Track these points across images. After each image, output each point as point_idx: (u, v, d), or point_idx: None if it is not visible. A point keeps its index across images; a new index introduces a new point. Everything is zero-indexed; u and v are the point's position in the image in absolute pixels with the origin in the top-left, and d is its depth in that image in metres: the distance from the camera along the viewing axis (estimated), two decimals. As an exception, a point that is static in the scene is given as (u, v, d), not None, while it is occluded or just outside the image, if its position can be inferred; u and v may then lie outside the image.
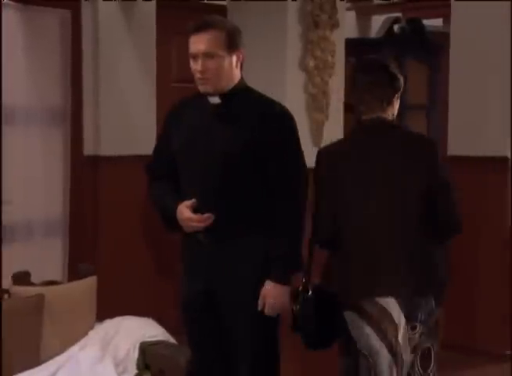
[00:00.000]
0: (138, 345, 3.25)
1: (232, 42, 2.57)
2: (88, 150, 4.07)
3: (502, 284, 4.44)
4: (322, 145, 3.80)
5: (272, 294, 2.54)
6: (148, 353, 3.25)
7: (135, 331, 3.33)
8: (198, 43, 2.55)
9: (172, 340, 3.36)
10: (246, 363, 2.60)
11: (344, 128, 4.00)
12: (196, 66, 2.58)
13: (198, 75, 2.58)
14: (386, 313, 2.49)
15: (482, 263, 4.47)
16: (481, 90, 4.57)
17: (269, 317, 2.57)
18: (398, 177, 2.56)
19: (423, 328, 2.52)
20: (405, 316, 2.49)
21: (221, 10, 3.81)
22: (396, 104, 2.67)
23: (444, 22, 6.06)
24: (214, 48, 2.54)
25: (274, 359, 2.64)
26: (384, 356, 2.49)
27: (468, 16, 4.62)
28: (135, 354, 3.24)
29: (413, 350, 2.52)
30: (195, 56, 2.58)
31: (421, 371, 2.55)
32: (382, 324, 2.49)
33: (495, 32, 4.53)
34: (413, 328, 2.51)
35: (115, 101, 4.09)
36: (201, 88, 2.60)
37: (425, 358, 2.55)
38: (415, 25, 5.64)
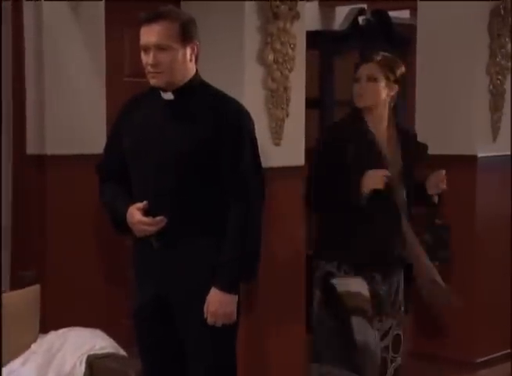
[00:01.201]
0: (84, 359, 3.22)
1: (186, 34, 2.56)
2: (32, 148, 4.01)
3: (471, 290, 4.50)
4: (283, 143, 3.83)
5: (214, 302, 2.53)
6: (95, 367, 3.21)
7: (81, 344, 3.29)
8: (149, 34, 2.54)
9: (122, 352, 3.33)
10: (201, 370, 2.59)
11: (306, 125, 4.02)
12: (147, 59, 2.57)
13: (149, 69, 2.57)
14: None
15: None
16: (450, 85, 4.62)
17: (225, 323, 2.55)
18: None
19: None
20: None
21: (175, 0, 3.80)
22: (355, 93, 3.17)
23: (411, 14, 6.13)
24: (166, 40, 2.53)
25: (230, 365, 2.64)
26: None
27: (436, 8, 4.67)
28: (82, 368, 3.20)
29: None
30: (146, 49, 2.57)
31: None
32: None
33: (465, 25, 4.58)
34: None
35: (61, 95, 4.03)
36: (152, 82, 2.59)
37: None
38: (381, 17, 5.68)
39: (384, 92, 3.15)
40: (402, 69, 3.23)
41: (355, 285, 3.11)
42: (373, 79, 3.12)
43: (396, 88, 3.19)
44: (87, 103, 4.12)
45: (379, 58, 3.16)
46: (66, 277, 4.00)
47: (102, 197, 2.76)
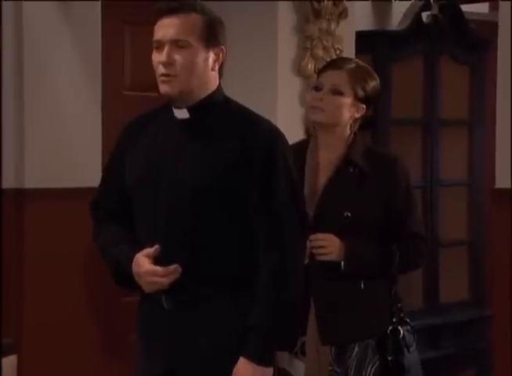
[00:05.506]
0: None
1: (211, 33, 2.61)
2: (9, 181, 4.07)
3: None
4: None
5: (243, 375, 2.57)
6: None
7: None
8: (166, 28, 2.57)
9: None
10: None
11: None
12: (159, 57, 2.59)
13: (161, 69, 2.59)
14: None
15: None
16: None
17: None
18: None
19: None
20: None
21: None
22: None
23: (490, 8, 6.21)
24: (185, 35, 2.57)
25: None
26: None
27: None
28: None
29: None
30: (159, 45, 2.60)
31: None
32: None
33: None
34: None
35: (45, 116, 4.11)
36: (163, 89, 2.61)
37: None
38: (451, 12, 5.75)
39: (349, 112, 3.08)
40: (376, 84, 3.13)
41: (287, 364, 3.06)
42: (338, 92, 3.05)
43: (363, 109, 3.11)
44: (77, 124, 4.17)
45: (351, 66, 3.08)
46: (49, 346, 4.02)
47: (97, 241, 2.79)
